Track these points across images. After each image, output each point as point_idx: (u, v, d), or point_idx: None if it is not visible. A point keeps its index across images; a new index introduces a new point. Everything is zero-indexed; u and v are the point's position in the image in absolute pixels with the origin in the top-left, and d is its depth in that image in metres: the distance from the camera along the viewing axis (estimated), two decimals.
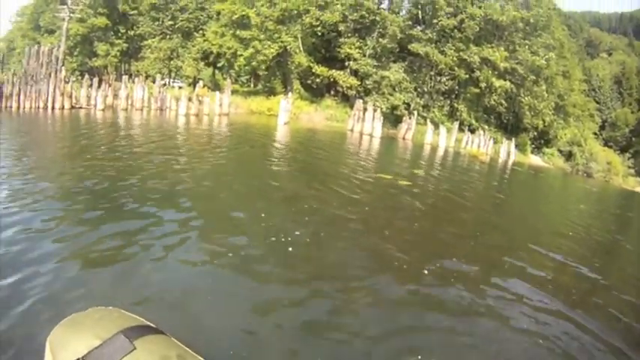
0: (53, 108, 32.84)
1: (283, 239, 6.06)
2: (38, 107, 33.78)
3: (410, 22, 42.58)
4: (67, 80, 34.97)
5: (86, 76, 34.15)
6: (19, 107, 35.65)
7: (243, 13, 39.44)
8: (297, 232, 6.49)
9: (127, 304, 2.89)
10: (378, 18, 40.70)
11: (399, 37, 40.29)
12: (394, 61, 41.27)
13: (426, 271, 5.83)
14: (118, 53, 44.36)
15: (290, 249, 5.81)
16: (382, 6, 43.56)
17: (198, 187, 9.03)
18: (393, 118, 37.89)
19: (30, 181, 8.04)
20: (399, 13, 43.48)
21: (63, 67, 36.52)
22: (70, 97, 32.79)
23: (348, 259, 5.97)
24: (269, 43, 39.01)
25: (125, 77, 31.62)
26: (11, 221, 5.52)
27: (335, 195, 9.84)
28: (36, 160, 10.76)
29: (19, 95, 36.34)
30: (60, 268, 4.41)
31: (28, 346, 3.13)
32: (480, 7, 39.56)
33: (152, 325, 0.86)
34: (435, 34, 40.48)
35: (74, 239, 5.22)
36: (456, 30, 39.81)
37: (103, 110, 29.66)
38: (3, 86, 38.34)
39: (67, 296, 3.85)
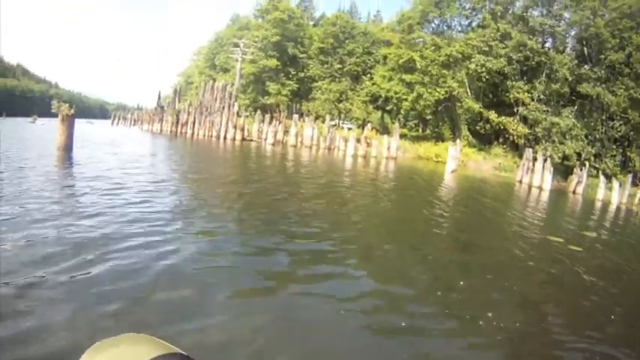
0: (225, 138, 34.34)
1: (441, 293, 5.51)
2: (211, 136, 35.92)
3: (576, 61, 38.85)
4: (239, 114, 36.95)
5: (258, 112, 35.55)
6: (193, 134, 38.33)
7: (409, 56, 39.13)
8: (461, 282, 6.00)
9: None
10: (544, 59, 38.01)
11: (568, 79, 37.02)
12: (564, 106, 37.74)
13: None
14: (289, 93, 46.12)
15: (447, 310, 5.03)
16: (546, 44, 40.60)
17: (363, 228, 8.74)
18: (562, 169, 33.76)
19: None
20: (564, 51, 39.89)
21: (236, 103, 38.71)
22: (242, 129, 34.21)
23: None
24: (434, 87, 38.09)
25: (296, 116, 32.29)
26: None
27: (496, 253, 8.56)
28: (210, 179, 12.14)
29: (194, 123, 39.40)
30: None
31: None
32: None
33: (184, 353, 0.81)
34: (603, 71, 36.49)
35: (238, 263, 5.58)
36: (623, 65, 35.37)
37: (272, 144, 30.24)
38: (180, 114, 42.42)
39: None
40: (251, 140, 32.50)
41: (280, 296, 4.76)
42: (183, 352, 0.69)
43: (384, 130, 40.87)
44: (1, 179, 10.75)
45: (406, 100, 38.83)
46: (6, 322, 3.79)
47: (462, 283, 6.18)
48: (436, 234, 9.29)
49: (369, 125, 33.82)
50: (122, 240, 5.97)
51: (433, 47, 38.99)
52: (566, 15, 40.16)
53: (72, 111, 19.45)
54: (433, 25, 44.26)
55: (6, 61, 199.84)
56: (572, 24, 39.41)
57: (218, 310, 4.18)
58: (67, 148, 18.40)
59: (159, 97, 48.86)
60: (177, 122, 40.78)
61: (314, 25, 54.20)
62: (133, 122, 55.18)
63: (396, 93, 39.37)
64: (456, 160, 28.89)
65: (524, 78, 38.80)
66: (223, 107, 37.06)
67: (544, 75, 37.80)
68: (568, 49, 40.84)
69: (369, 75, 44.94)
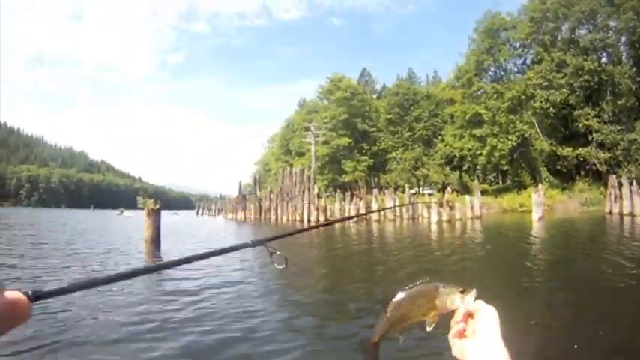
0: (309, 221, 34.85)
1: None
2: (295, 220, 36.57)
3: (635, 68, 36.39)
4: (320, 196, 37.68)
5: (338, 191, 36.20)
6: (277, 219, 39.37)
7: (474, 110, 38.81)
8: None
9: None
10: (604, 76, 36.13)
11: (632, 89, 34.80)
12: (636, 119, 35.26)
13: None
14: (365, 168, 46.92)
15: None
16: (602, 60, 38.72)
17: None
18: None
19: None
20: (620, 62, 37.60)
21: (315, 185, 39.67)
22: (325, 210, 34.55)
23: None
24: (505, 136, 37.25)
25: (375, 190, 32.47)
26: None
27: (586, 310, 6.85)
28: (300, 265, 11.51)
29: (276, 210, 40.80)
30: None
31: None
32: None
33: None
34: None
35: None
36: None
37: (356, 222, 29.80)
38: (262, 202, 44.22)
39: None
40: (335, 221, 32.54)
41: None
42: None
43: (464, 189, 40.04)
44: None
45: (481, 154, 38.30)
46: None
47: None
48: (538, 289, 8.68)
49: (448, 188, 33.39)
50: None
51: (495, 95, 38.77)
52: (612, 24, 38.83)
53: (157, 206, 20.19)
54: (490, 72, 44.35)
55: (91, 158, 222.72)
56: (620, 31, 37.98)
57: None
58: (155, 240, 19.15)
59: (240, 187, 51.28)
60: (260, 209, 42.36)
61: (377, 98, 55.73)
62: (217, 212, 57.79)
63: (469, 150, 39.06)
64: (541, 207, 27.54)
65: (590, 103, 37.47)
66: (303, 191, 38.09)
67: (608, 93, 36.31)
68: (623, 58, 39.13)
69: (439, 137, 44.98)
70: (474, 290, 0.89)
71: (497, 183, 48.20)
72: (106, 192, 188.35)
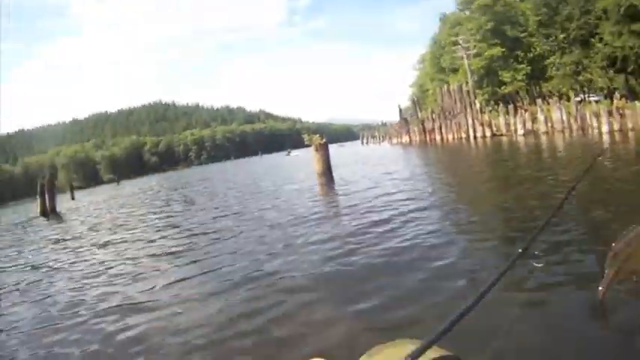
0: (475, 137, 36.43)
1: None
2: (460, 138, 38.59)
3: None
4: (482, 111, 38.71)
5: (500, 104, 36.92)
6: (442, 139, 41.60)
7: (628, 2, 33.92)
8: None
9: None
10: None
11: None
12: None
13: None
14: (524, 77, 45.88)
15: None
16: None
17: None
18: None
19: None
20: None
21: (475, 100, 40.72)
22: (490, 125, 35.60)
23: None
24: None
25: (539, 100, 32.45)
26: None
27: None
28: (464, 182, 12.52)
29: (440, 129, 42.73)
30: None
31: None
32: None
33: (458, 356, 0.82)
34: None
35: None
36: None
37: (523, 136, 30.58)
38: (425, 123, 46.55)
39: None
40: (501, 135, 33.51)
41: None
42: (459, 357, 0.91)
43: (632, 95, 36.60)
44: (280, 205, 12.87)
45: None
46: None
47: None
48: None
49: (616, 93, 31.41)
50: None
51: None
52: None
53: (323, 140, 20.95)
54: None
55: (249, 110, 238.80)
56: None
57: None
58: (326, 172, 19.97)
59: (400, 111, 54.20)
60: (424, 131, 45.13)
61: (521, 0, 52.73)
62: (381, 138, 61.56)
63: (631, 48, 35.31)
64: None
65: None
66: (465, 107, 39.48)
67: None
68: None
69: (596, 36, 41.33)
70: None
71: None
72: (269, 137, 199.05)
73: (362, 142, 69.46)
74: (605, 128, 25.82)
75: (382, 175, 17.42)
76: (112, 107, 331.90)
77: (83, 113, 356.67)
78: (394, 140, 50.83)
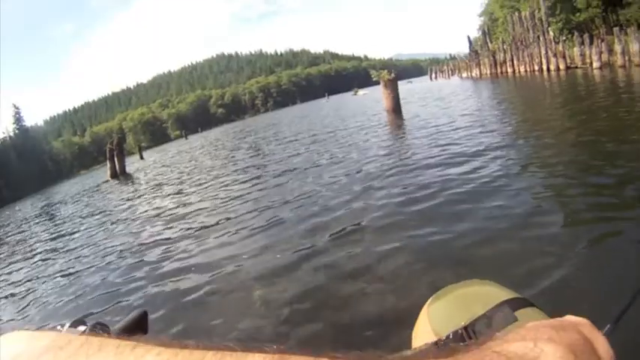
0: (548, 70, 34.95)
1: None
2: (533, 70, 37.23)
3: None
4: (556, 40, 36.73)
5: (575, 33, 34.75)
6: (514, 71, 40.41)
7: None
8: None
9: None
10: None
11: None
12: None
13: None
14: (600, 3, 42.50)
15: None
16: None
17: None
18: None
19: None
20: None
21: (549, 28, 38.90)
22: (564, 57, 33.91)
23: None
24: None
25: (616, 29, 30.37)
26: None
27: None
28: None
29: (512, 60, 41.34)
30: None
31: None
32: None
33: (527, 298, 0.77)
34: None
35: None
36: None
37: (600, 69, 29.11)
38: (496, 55, 44.85)
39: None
40: (576, 67, 32.24)
41: None
42: (528, 299, 0.91)
43: None
44: (350, 142, 14.12)
45: None
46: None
47: None
48: None
49: None
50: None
51: None
52: None
53: (392, 75, 20.68)
54: None
55: (313, 52, 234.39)
56: None
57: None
58: (395, 109, 19.99)
59: (469, 42, 52.35)
60: (495, 63, 43.76)
61: None
62: (450, 72, 59.91)
63: None
64: None
65: None
66: (538, 37, 37.85)
67: None
68: None
69: None
70: None
71: None
72: (336, 78, 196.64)
73: (430, 78, 67.85)
74: None
75: (454, 111, 17.49)
76: (175, 66, 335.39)
77: (146, 76, 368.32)
78: (464, 74, 49.70)
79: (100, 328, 0.44)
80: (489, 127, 11.66)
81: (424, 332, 0.96)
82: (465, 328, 0.85)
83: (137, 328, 0.59)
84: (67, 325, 0.43)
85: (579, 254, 3.75)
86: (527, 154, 8.12)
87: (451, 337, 0.82)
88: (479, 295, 0.95)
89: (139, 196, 15.63)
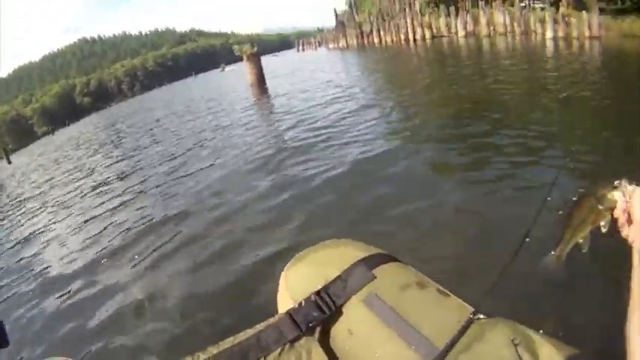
0: (415, 39, 34.71)
1: None
2: (400, 40, 36.56)
3: None
4: (422, 13, 36.47)
5: (441, 6, 35.30)
6: (380, 41, 39.38)
7: None
8: None
9: None
10: None
11: None
12: None
13: None
14: None
15: None
16: None
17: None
18: None
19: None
20: None
21: (415, 1, 38.16)
22: (430, 27, 34.04)
23: None
24: None
25: (482, 2, 31.34)
26: None
27: None
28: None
29: (378, 31, 40.49)
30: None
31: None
32: None
33: (388, 253, 0.84)
34: None
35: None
36: None
37: (464, 37, 29.77)
38: (363, 26, 44.29)
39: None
40: (441, 36, 32.42)
41: None
42: (388, 253, 1.03)
43: (580, 4, 35.46)
44: (218, 113, 14.14)
45: None
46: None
47: None
48: None
49: (563, 0, 30.49)
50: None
51: None
52: None
53: (254, 49, 20.58)
54: None
55: (179, 30, 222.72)
56: None
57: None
58: (259, 83, 19.85)
59: (335, 15, 51.44)
60: (362, 34, 42.95)
61: None
62: (317, 44, 58.61)
63: None
64: None
65: None
66: (404, 8, 37.50)
67: None
68: None
69: None
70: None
71: (616, 3, 41.63)
72: (203, 56, 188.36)
73: (297, 50, 65.93)
74: (549, 34, 25.38)
75: (318, 82, 17.43)
76: (36, 56, 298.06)
77: (6, 70, 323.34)
78: (331, 45, 48.31)
79: None
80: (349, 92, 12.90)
81: (284, 299, 1.01)
82: (318, 292, 0.94)
83: None
84: None
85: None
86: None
87: (304, 304, 0.92)
88: (335, 256, 0.98)
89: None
